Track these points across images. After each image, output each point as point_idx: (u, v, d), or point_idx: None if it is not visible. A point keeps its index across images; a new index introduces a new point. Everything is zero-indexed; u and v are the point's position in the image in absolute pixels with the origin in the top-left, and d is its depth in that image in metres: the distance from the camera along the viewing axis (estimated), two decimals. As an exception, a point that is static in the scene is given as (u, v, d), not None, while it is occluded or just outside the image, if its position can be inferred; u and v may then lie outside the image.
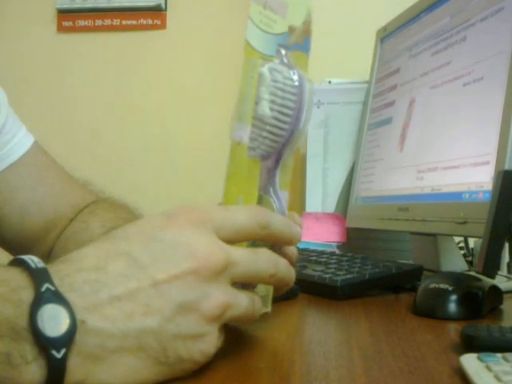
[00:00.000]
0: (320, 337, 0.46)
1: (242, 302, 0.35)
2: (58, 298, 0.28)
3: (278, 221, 0.38)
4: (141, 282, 0.30)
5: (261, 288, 0.42)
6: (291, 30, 0.43)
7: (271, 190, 0.43)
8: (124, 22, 1.66)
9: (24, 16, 1.69)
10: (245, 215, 0.36)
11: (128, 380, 0.30)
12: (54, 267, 0.30)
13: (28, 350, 0.27)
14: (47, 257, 0.67)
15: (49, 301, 0.28)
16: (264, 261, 0.37)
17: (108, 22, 1.67)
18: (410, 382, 0.33)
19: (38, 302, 0.28)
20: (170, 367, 0.31)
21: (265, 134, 0.40)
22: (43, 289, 0.28)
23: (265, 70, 0.40)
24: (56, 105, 1.67)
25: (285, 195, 0.43)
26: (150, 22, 1.65)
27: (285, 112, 0.40)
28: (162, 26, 1.65)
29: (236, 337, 0.44)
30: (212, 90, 1.61)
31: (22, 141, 0.68)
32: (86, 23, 1.68)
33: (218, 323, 0.33)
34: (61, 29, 1.68)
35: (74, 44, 1.68)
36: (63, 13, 1.67)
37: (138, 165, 1.63)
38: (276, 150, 0.41)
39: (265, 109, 0.39)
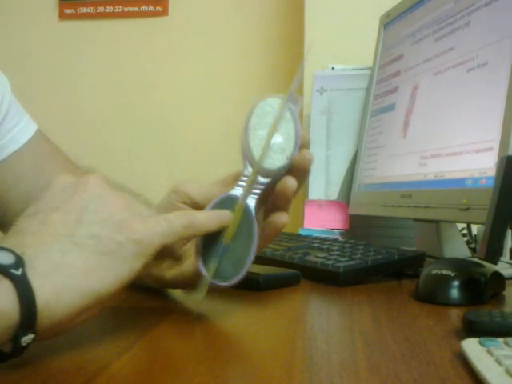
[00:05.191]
0: (322, 322, 0.46)
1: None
2: None
3: (201, 217, 0.42)
4: (45, 213, 0.36)
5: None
6: None
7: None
8: (126, 9, 1.65)
9: (25, 4, 1.68)
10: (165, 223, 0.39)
11: (94, 279, 0.34)
12: None
13: None
14: None
15: None
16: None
17: (110, 8, 1.66)
18: (412, 366, 0.33)
19: None
20: (117, 255, 0.35)
21: None
22: None
23: None
24: (58, 92, 1.67)
25: None
26: (152, 8, 1.64)
27: None
28: (164, 12, 1.64)
29: (238, 322, 0.45)
30: (215, 77, 1.61)
31: (24, 128, 0.68)
32: (88, 10, 1.67)
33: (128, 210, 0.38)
34: (62, 16, 1.68)
35: (76, 31, 1.67)
36: (65, 0, 1.67)
37: (139, 153, 1.63)
38: None
39: None
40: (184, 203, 0.51)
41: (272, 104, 0.46)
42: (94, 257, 0.35)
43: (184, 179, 0.52)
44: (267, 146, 0.45)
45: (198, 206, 0.49)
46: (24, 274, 0.31)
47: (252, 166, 0.45)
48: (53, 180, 0.41)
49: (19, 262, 0.32)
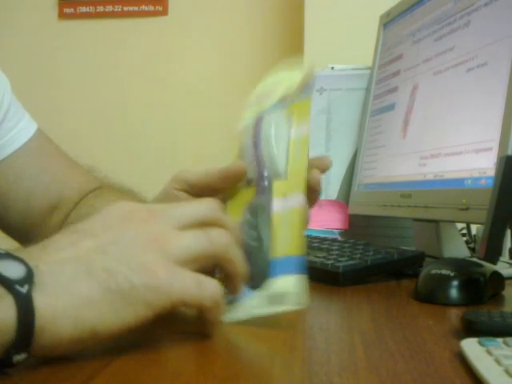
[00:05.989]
0: (321, 322, 0.46)
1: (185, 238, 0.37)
2: (9, 256, 0.32)
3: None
4: (80, 237, 0.35)
5: None
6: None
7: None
8: (125, 9, 1.66)
9: (25, 3, 1.68)
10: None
11: (94, 313, 0.32)
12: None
13: None
14: None
15: (2, 258, 0.31)
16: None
17: (109, 8, 1.66)
18: (411, 366, 0.33)
19: None
20: (126, 296, 0.33)
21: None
22: None
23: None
24: (58, 92, 1.67)
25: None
26: (151, 8, 1.65)
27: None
28: (164, 12, 1.64)
29: (238, 322, 0.45)
30: (214, 77, 1.61)
31: (25, 128, 0.69)
32: (88, 10, 1.67)
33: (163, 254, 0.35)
34: (62, 16, 1.68)
35: (76, 31, 1.67)
36: (64, -1, 1.67)
37: (139, 152, 1.63)
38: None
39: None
40: (183, 190, 0.52)
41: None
42: (101, 290, 0.33)
43: (181, 169, 0.53)
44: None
45: (196, 191, 0.50)
46: (28, 293, 0.30)
47: (277, 177, 0.46)
48: (110, 204, 0.38)
49: (28, 277, 0.31)
